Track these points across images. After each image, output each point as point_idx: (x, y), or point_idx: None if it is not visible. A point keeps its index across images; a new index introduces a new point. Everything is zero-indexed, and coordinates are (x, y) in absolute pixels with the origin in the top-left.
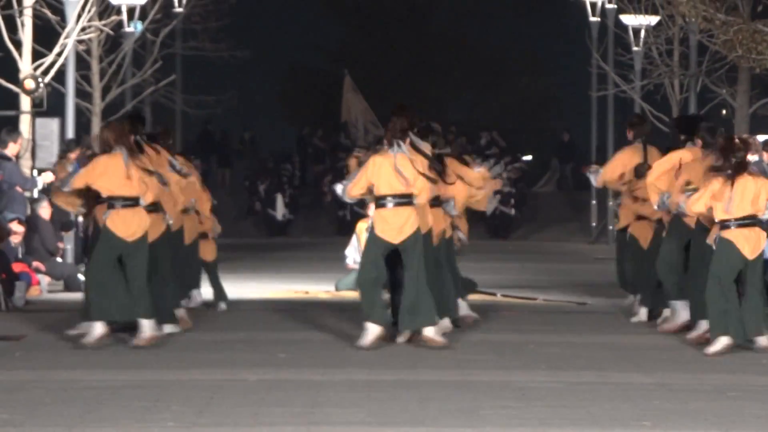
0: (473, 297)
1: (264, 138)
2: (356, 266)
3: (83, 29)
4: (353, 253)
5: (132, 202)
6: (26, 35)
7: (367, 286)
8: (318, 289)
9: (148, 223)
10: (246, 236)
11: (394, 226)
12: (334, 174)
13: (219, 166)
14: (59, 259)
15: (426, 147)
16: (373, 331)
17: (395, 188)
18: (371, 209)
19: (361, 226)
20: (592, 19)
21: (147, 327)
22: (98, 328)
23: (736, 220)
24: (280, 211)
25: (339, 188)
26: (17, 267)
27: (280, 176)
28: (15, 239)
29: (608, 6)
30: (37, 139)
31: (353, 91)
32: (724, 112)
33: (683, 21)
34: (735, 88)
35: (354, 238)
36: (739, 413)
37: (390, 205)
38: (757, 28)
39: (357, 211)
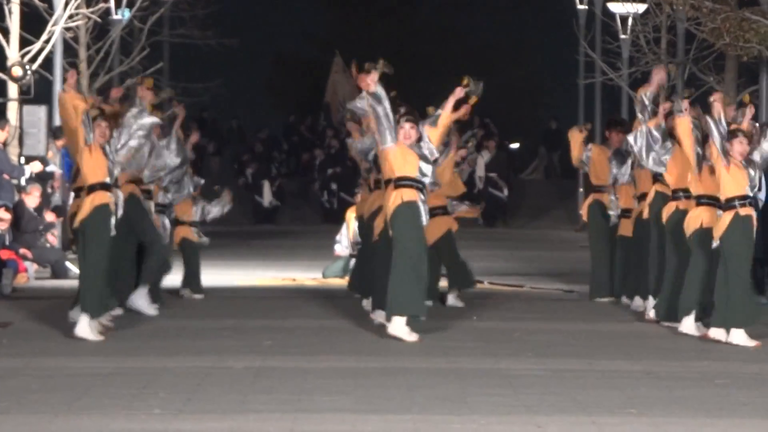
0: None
1: (251, 126)
2: (343, 253)
3: (71, 16)
4: (343, 240)
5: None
6: (14, 22)
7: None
8: (305, 276)
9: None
10: (233, 224)
11: None
12: (327, 156)
13: (212, 153)
14: (48, 245)
15: None
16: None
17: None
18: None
19: (351, 215)
20: (579, 6)
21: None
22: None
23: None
24: (266, 198)
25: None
26: (4, 254)
27: (269, 163)
28: (2, 226)
29: None
30: (25, 127)
31: (342, 72)
32: (711, 99)
33: (670, 9)
34: (722, 75)
35: (344, 226)
36: (725, 401)
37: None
38: (744, 16)
39: (344, 198)
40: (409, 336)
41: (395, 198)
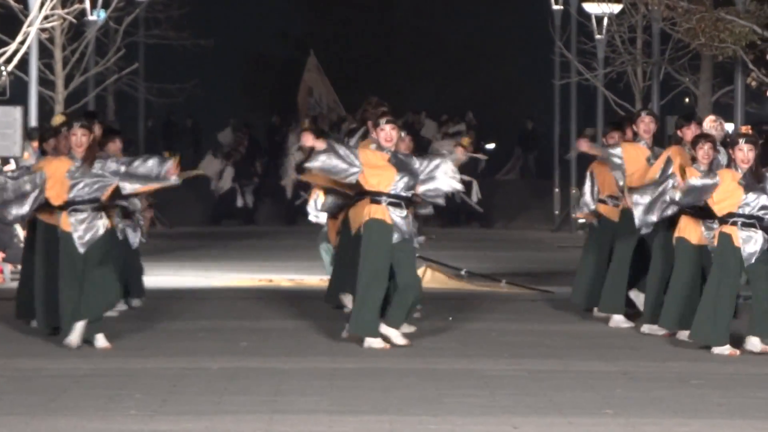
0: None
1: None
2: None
3: (46, 17)
4: (313, 210)
5: None
6: None
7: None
8: (281, 277)
9: None
10: (210, 224)
11: None
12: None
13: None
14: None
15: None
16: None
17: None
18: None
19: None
20: (554, 7)
21: None
22: None
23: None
24: (242, 199)
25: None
26: None
27: (252, 163)
28: None
29: None
30: (0, 128)
31: (317, 70)
32: (687, 100)
33: (646, 9)
34: (698, 76)
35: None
36: (701, 401)
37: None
38: (719, 17)
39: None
40: (401, 339)
41: (366, 212)
